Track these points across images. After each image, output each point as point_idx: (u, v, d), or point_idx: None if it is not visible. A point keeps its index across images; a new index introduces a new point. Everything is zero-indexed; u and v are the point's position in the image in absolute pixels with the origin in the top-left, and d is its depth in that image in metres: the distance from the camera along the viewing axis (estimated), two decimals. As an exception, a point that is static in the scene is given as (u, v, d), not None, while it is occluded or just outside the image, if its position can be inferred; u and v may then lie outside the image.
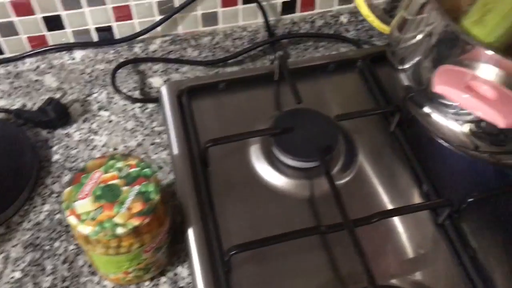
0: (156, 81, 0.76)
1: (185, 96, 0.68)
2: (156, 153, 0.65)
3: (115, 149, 0.65)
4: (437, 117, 0.53)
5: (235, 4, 0.75)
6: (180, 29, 0.77)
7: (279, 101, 0.69)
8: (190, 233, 0.55)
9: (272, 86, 0.71)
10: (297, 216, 0.58)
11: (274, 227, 0.57)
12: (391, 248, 0.56)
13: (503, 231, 0.57)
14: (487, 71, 0.44)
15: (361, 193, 0.60)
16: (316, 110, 0.64)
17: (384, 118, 0.67)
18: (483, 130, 0.52)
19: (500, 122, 0.40)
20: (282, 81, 0.71)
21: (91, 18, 0.73)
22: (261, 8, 0.74)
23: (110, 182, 0.47)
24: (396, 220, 0.58)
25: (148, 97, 0.71)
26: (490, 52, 0.44)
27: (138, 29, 0.76)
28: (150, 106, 0.70)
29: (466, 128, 0.52)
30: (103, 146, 0.65)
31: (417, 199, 0.60)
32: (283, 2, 0.77)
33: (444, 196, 0.58)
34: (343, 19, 0.83)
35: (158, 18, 0.74)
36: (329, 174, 0.55)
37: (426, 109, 0.54)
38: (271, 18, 0.79)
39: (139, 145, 0.66)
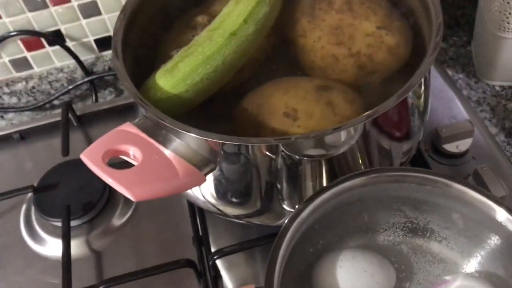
0: (-21, 130, 0.75)
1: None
2: None
3: None
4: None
5: (41, 47, 0.72)
6: (-7, 77, 0.75)
7: (71, 149, 0.65)
8: None
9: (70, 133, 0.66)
10: (54, 280, 0.54)
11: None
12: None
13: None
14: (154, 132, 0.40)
15: (131, 250, 0.56)
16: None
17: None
18: (216, 197, 0.48)
19: (130, 195, 0.36)
20: (80, 126, 0.68)
21: None
22: (66, 48, 0.71)
23: None
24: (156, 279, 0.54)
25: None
26: (144, 111, 0.40)
27: None
28: None
29: (207, 196, 0.48)
30: None
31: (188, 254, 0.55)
32: (96, 40, 0.74)
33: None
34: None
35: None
36: (66, 236, 0.52)
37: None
38: (90, 56, 0.76)
39: None
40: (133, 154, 0.38)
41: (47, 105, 0.75)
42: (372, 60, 0.48)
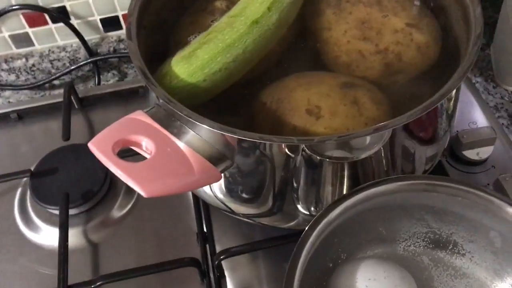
0: (-25, 107, 0.72)
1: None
2: None
3: None
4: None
5: (44, 23, 0.69)
6: (-9, 52, 0.71)
7: (71, 133, 0.62)
8: None
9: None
10: (47, 271, 0.52)
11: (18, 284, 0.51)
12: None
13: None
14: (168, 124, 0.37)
15: (130, 244, 0.53)
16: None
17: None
18: (227, 193, 0.45)
19: (141, 191, 0.33)
20: (82, 109, 0.65)
21: None
22: (70, 26, 0.68)
23: None
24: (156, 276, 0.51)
25: None
26: (156, 99, 0.37)
27: None
28: None
29: (216, 192, 0.46)
30: None
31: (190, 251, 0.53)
32: (102, 20, 0.70)
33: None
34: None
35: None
36: (63, 226, 0.49)
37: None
38: (95, 36, 0.72)
39: None
40: (146, 146, 0.35)
41: (47, 85, 0.71)
42: (400, 58, 0.45)
